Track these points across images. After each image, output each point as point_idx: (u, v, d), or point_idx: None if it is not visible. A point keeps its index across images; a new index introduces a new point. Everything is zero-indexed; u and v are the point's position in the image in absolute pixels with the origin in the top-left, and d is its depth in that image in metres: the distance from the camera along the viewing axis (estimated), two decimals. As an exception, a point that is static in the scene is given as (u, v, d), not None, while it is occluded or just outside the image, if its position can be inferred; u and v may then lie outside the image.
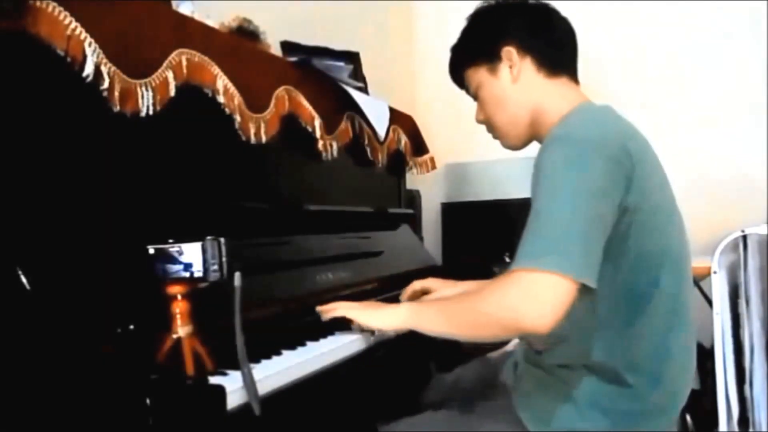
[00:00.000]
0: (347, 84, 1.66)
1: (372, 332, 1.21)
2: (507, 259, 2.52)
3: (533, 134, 1.22)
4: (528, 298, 0.95)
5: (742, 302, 1.88)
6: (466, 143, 2.82)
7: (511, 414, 1.12)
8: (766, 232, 1.85)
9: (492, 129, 1.28)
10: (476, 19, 1.26)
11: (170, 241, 0.88)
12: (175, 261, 0.87)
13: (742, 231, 1.88)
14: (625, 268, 1.05)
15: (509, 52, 1.19)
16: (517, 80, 1.19)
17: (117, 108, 0.97)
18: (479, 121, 1.30)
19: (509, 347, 1.43)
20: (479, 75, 1.24)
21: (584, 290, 0.96)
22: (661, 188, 1.11)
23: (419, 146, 2.09)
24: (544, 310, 0.94)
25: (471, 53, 1.25)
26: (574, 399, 1.09)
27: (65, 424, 0.82)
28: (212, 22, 1.33)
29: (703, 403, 1.93)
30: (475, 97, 1.28)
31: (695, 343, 1.15)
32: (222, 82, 1.19)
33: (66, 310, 0.84)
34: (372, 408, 1.37)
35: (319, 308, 1.22)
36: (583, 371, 1.09)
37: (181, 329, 0.87)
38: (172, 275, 0.88)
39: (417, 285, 1.47)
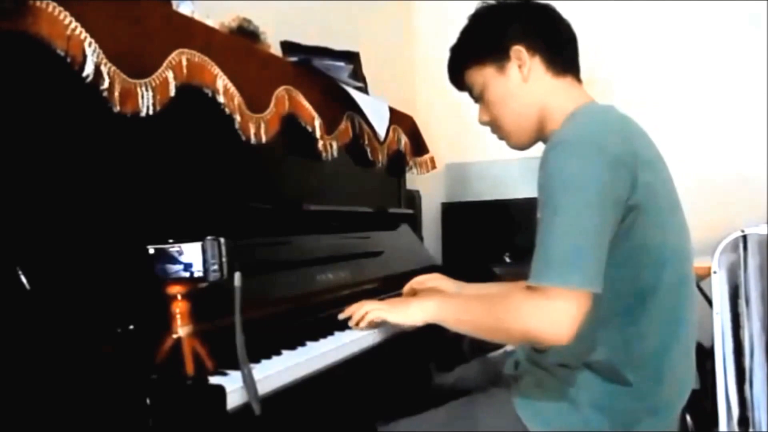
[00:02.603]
0: (347, 84, 1.66)
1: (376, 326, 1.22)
2: (507, 260, 2.52)
3: (539, 134, 1.22)
4: (545, 317, 0.99)
5: (742, 302, 1.88)
6: (466, 143, 2.83)
7: (511, 413, 1.12)
8: (766, 232, 1.85)
9: (498, 129, 1.27)
10: (480, 19, 1.25)
11: (170, 241, 0.88)
12: (175, 261, 0.87)
13: (742, 231, 1.87)
14: (627, 266, 1.05)
15: (519, 51, 1.18)
16: (527, 79, 1.18)
17: (117, 108, 0.97)
18: (483, 123, 1.28)
19: (509, 347, 1.43)
20: (485, 75, 1.22)
21: None
22: (665, 187, 1.11)
23: (419, 146, 2.09)
24: (562, 326, 0.98)
25: (476, 52, 1.23)
26: (575, 399, 1.09)
27: (65, 424, 0.82)
28: (212, 22, 1.33)
29: (703, 403, 1.93)
30: (477, 99, 1.27)
31: (695, 341, 1.16)
32: (222, 82, 1.19)
33: (66, 310, 0.84)
34: (372, 408, 1.37)
35: (342, 315, 1.24)
36: (584, 370, 1.10)
37: (181, 329, 0.87)
38: (172, 275, 0.88)
39: (420, 279, 1.49)
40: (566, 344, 0.98)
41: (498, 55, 1.20)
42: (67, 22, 0.89)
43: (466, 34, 1.26)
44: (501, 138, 1.28)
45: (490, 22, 1.23)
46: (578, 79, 1.23)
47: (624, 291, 1.06)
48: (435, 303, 1.16)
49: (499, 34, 1.20)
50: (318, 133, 1.50)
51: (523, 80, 1.19)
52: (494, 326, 1.08)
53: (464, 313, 1.13)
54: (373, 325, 1.21)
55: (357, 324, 1.21)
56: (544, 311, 0.99)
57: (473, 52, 1.24)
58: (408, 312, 1.17)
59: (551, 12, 1.22)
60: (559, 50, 1.20)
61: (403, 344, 1.32)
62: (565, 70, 1.20)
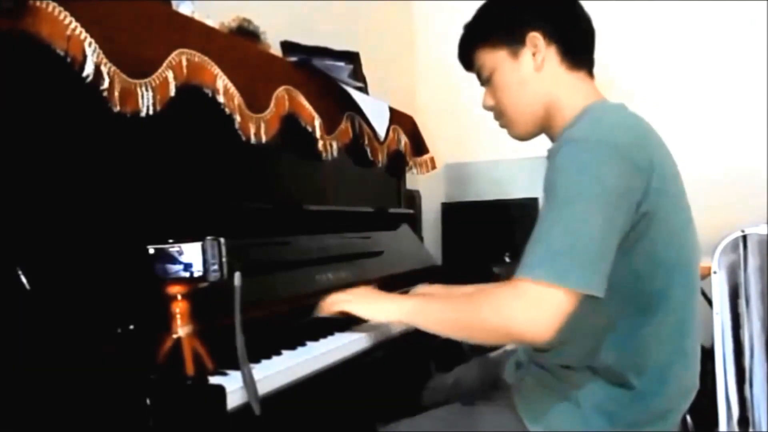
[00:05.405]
0: (347, 84, 1.66)
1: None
2: (507, 260, 2.52)
3: (543, 126, 1.18)
4: (525, 310, 0.94)
5: (742, 302, 1.88)
6: (466, 143, 2.83)
7: (512, 413, 1.12)
8: (766, 232, 1.85)
9: (501, 116, 1.22)
10: None
11: (170, 241, 0.88)
12: (175, 261, 0.88)
13: (742, 231, 1.88)
14: (637, 272, 1.03)
15: (535, 37, 1.13)
16: (540, 69, 1.14)
17: (117, 108, 0.97)
18: (487, 107, 1.23)
19: (509, 346, 1.43)
20: (496, 57, 1.17)
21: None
22: (677, 192, 1.09)
23: (419, 146, 2.09)
24: (541, 323, 0.93)
25: (492, 32, 1.18)
26: (578, 401, 1.08)
27: (65, 424, 0.82)
28: (212, 22, 1.33)
29: (703, 403, 1.93)
30: (485, 82, 1.22)
31: (699, 348, 1.14)
32: (222, 82, 1.19)
33: (66, 310, 0.84)
34: (371, 408, 1.37)
35: (318, 310, 1.20)
36: (588, 373, 1.08)
37: (181, 329, 0.87)
38: (172, 275, 0.88)
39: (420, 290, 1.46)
40: (544, 344, 0.93)
41: (513, 39, 1.15)
42: (67, 22, 0.89)
43: (483, 11, 1.21)
44: (503, 126, 1.23)
45: (510, 3, 1.19)
46: (591, 75, 1.18)
47: (633, 296, 1.04)
48: (412, 303, 1.12)
49: (518, 17, 1.16)
50: (318, 133, 1.50)
51: (535, 69, 1.14)
52: (467, 322, 1.02)
53: (438, 312, 1.07)
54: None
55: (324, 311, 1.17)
56: (524, 306, 0.94)
57: (488, 31, 1.19)
58: (377, 307, 1.13)
59: (575, 3, 1.18)
60: (577, 43, 1.16)
61: (403, 344, 1.32)
62: (579, 65, 1.16)
